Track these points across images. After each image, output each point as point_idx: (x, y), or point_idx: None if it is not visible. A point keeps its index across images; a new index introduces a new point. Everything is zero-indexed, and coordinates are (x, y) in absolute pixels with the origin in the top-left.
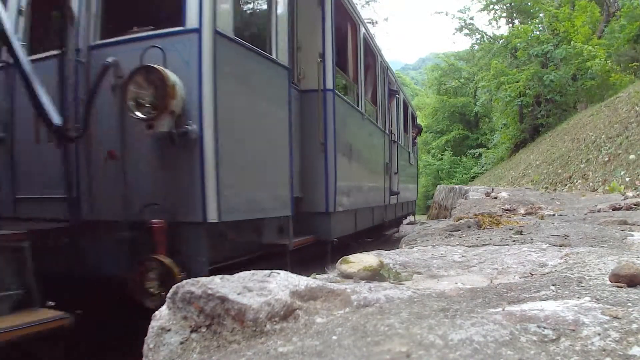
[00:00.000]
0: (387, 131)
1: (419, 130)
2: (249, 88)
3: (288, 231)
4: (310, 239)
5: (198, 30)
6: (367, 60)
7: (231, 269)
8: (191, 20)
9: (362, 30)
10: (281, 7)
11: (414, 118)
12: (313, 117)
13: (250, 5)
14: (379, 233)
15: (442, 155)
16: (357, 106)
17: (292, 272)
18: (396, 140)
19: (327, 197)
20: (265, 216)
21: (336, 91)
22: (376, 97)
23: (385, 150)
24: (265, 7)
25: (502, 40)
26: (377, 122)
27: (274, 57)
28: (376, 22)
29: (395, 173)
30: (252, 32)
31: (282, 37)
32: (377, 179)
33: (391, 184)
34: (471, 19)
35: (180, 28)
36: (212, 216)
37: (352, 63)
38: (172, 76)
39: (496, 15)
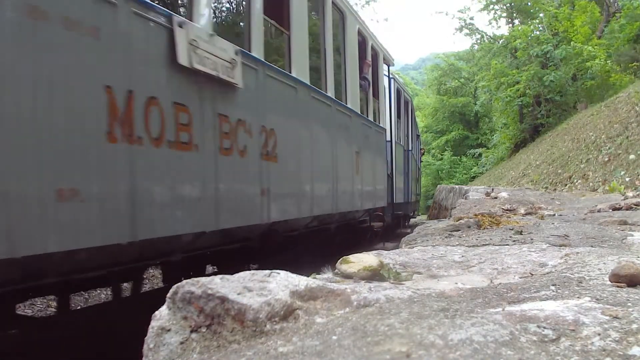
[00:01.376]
0: (416, 156)
1: (423, 152)
2: (400, 155)
3: (405, 208)
4: (402, 213)
5: (391, 141)
6: (414, 121)
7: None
8: (389, 138)
9: (412, 105)
10: (403, 116)
11: (420, 142)
12: (404, 162)
13: (399, 123)
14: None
15: (442, 155)
16: (412, 150)
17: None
18: (417, 161)
19: (408, 195)
20: (400, 201)
21: (411, 150)
22: (412, 138)
23: (415, 169)
24: (399, 121)
25: (502, 40)
26: (414, 154)
27: (401, 143)
28: (377, 21)
29: (417, 180)
30: (397, 133)
31: (403, 130)
32: (414, 185)
33: (416, 187)
34: (471, 19)
35: (388, 140)
36: (393, 201)
37: (408, 127)
38: None
39: (496, 15)
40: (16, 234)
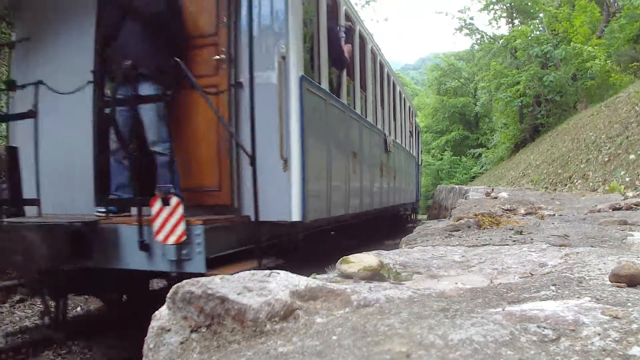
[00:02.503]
0: (420, 165)
1: (421, 162)
2: (417, 169)
3: (417, 205)
4: (415, 207)
5: (416, 161)
6: (420, 141)
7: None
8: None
9: (419, 130)
10: (416, 140)
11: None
12: (417, 173)
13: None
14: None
15: (442, 155)
16: (419, 163)
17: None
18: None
19: (419, 195)
20: (417, 199)
21: (419, 164)
22: (419, 154)
23: (420, 174)
24: (415, 145)
25: (502, 41)
26: (419, 165)
27: (417, 161)
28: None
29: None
30: (415, 153)
31: (415, 150)
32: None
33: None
34: (471, 19)
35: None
36: (414, 199)
37: (418, 147)
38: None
39: (496, 15)
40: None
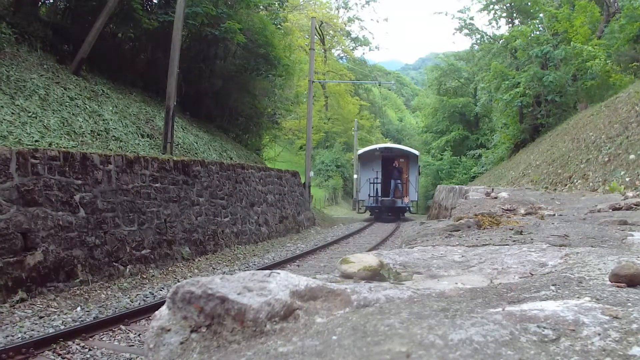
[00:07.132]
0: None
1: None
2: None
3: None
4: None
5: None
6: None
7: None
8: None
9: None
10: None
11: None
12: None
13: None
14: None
15: (442, 155)
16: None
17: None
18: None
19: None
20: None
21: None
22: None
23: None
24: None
25: (502, 41)
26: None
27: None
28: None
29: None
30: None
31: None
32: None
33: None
34: (471, 19)
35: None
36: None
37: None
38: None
39: (496, 15)
40: None
